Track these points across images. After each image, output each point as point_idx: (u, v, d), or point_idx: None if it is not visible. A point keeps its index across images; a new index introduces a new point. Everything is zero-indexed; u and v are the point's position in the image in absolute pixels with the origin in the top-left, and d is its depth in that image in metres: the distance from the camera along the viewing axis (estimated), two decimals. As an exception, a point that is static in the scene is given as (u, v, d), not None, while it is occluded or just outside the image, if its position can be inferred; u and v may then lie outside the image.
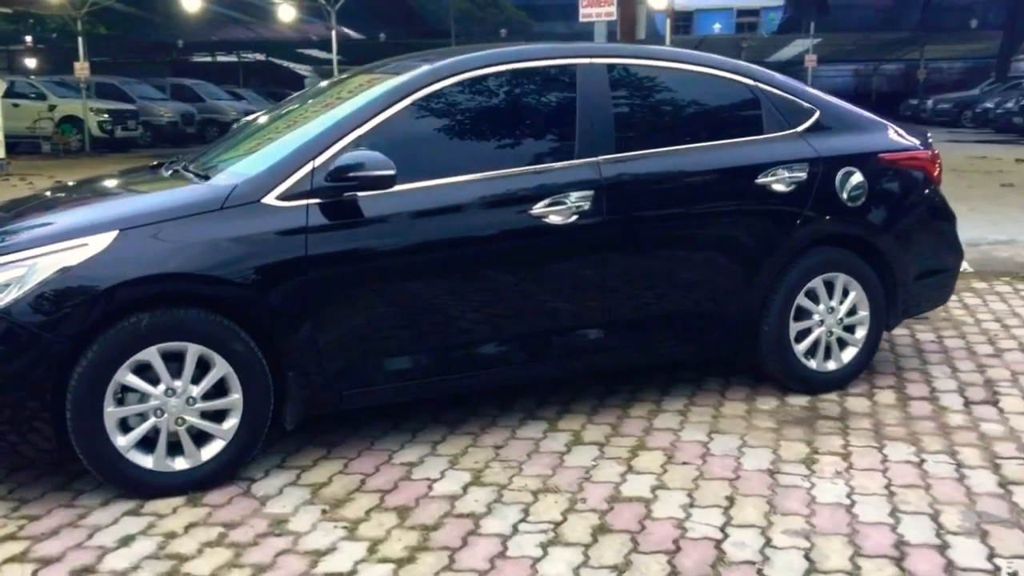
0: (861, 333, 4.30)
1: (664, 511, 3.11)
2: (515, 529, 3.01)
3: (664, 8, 11.41)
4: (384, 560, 2.83)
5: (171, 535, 3.00)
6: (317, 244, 3.34)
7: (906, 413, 4.01)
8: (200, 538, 2.98)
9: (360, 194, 3.40)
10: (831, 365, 4.27)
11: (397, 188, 3.40)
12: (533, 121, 3.91)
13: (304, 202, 3.36)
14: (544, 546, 2.90)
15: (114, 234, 3.15)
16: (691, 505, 3.16)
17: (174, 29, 35.71)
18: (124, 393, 3.17)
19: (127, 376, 3.15)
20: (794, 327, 4.16)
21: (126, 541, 2.97)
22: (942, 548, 2.84)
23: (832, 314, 4.22)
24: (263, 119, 4.44)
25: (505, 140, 3.83)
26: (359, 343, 3.45)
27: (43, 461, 3.29)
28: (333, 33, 21.33)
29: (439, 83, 3.66)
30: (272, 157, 3.49)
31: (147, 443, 3.24)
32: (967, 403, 4.12)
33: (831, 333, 4.24)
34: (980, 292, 6.25)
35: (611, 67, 3.95)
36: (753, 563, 2.77)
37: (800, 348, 4.19)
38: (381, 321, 3.48)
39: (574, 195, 3.67)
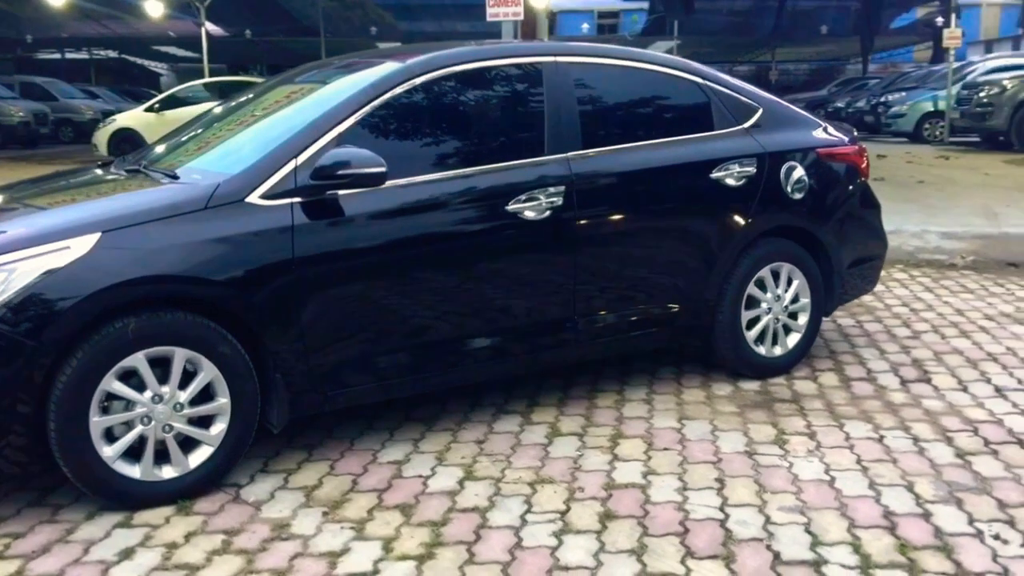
0: (803, 319, 4.52)
1: (662, 496, 3.21)
2: (523, 520, 3.05)
3: (543, 9, 11.57)
4: (403, 557, 2.83)
5: (172, 545, 2.92)
6: (303, 243, 3.29)
7: (851, 393, 4.24)
8: (204, 547, 2.91)
9: (341, 192, 3.37)
10: (778, 351, 4.47)
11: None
12: (505, 118, 3.96)
13: (288, 201, 3.31)
14: (557, 535, 2.95)
15: (97, 236, 3.03)
16: (685, 489, 3.26)
17: (19, 24, 33.93)
18: (109, 401, 3.06)
19: (113, 383, 3.04)
20: (745, 315, 4.34)
21: (127, 554, 2.87)
22: (926, 516, 3.04)
23: (778, 302, 4.43)
24: (214, 117, 4.32)
25: (479, 137, 3.86)
26: (343, 342, 3.42)
27: (14, 475, 3.13)
28: (203, 30, 20.68)
29: (413, 80, 3.66)
30: (250, 155, 3.42)
31: (132, 452, 3.13)
32: (903, 382, 4.38)
33: (778, 320, 4.44)
34: (881, 279, 6.61)
35: (575, 65, 4.02)
36: (760, 539, 2.90)
37: (751, 335, 4.37)
38: (364, 319, 3.46)
39: (547, 190, 3.73)
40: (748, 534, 2.93)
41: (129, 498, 3.13)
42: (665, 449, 3.61)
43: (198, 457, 3.22)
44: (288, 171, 3.33)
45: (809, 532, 2.94)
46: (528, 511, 3.11)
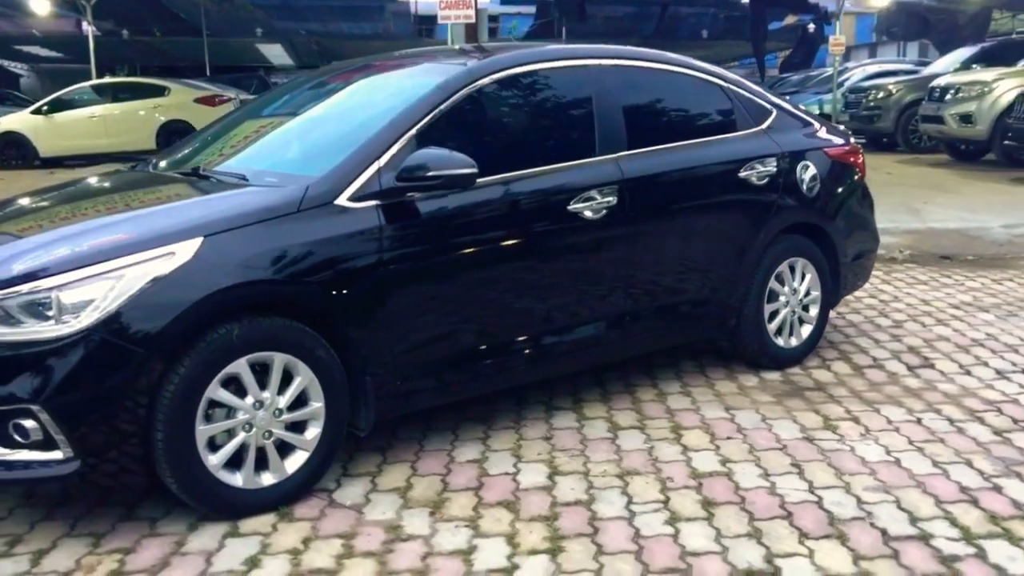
0: (814, 312, 4.75)
1: (749, 482, 3.34)
2: (631, 511, 3.13)
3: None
4: (533, 552, 2.87)
5: (295, 552, 2.89)
6: (389, 245, 3.30)
7: (868, 380, 4.47)
8: (328, 552, 2.89)
9: (418, 194, 3.38)
10: (794, 342, 4.68)
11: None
12: (561, 119, 4.04)
13: (375, 202, 3.30)
14: (670, 523, 3.05)
15: (199, 241, 2.97)
16: (767, 475, 3.41)
17: None
18: (211, 409, 3.00)
19: (218, 391, 2.99)
20: (767, 308, 4.53)
21: (254, 563, 2.82)
22: (997, 489, 3.26)
23: (794, 295, 4.63)
24: (247, 115, 4.25)
25: (538, 138, 3.93)
26: (425, 343, 3.44)
27: (127, 490, 3.04)
28: (91, 30, 19.86)
29: (478, 82, 3.69)
30: (329, 156, 3.39)
31: (231, 460, 3.07)
32: (910, 368, 4.65)
33: (794, 312, 4.65)
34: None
35: (617, 68, 4.13)
36: (862, 519, 3.06)
37: (772, 328, 4.56)
38: (443, 319, 3.48)
39: (603, 190, 3.82)
40: (848, 514, 3.09)
41: (232, 507, 3.07)
42: (728, 438, 3.75)
43: (294, 463, 3.19)
44: (372, 173, 3.32)
45: (902, 509, 3.12)
46: (630, 502, 3.20)
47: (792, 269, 4.62)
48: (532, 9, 41.89)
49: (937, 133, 14.44)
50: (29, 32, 35.71)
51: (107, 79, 20.50)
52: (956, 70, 16.17)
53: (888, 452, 3.59)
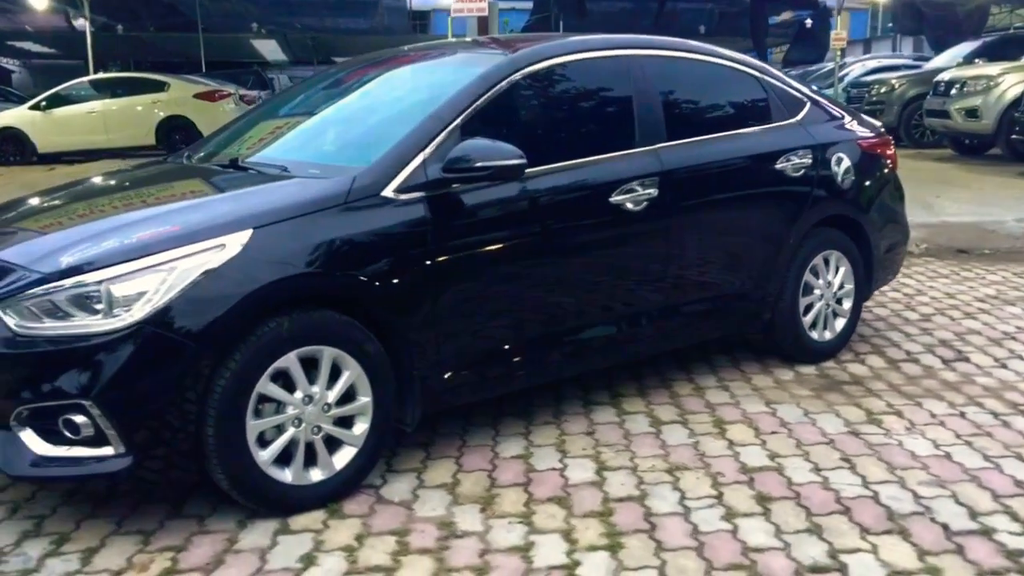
0: (848, 305, 4.70)
1: (801, 477, 3.30)
2: (685, 507, 3.09)
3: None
4: (592, 548, 2.83)
5: (350, 549, 2.84)
6: (436, 237, 3.24)
7: (904, 374, 4.43)
8: (383, 549, 2.84)
9: (460, 185, 3.33)
10: (828, 335, 4.64)
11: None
12: (601, 110, 3.98)
13: (420, 194, 3.24)
14: (727, 519, 3.00)
15: (249, 233, 2.91)
16: (818, 469, 3.36)
17: None
18: (261, 404, 2.94)
19: (268, 386, 2.93)
20: (802, 302, 4.48)
21: (310, 560, 2.77)
22: (1053, 483, 3.23)
23: (829, 289, 4.59)
24: (279, 107, 4.19)
25: (579, 129, 3.88)
26: (470, 336, 3.39)
27: (176, 486, 2.98)
28: (88, 24, 19.74)
29: (521, 71, 3.63)
30: (373, 147, 3.33)
31: (279, 456, 3.02)
32: (944, 361, 4.61)
33: (828, 306, 4.61)
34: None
35: (654, 58, 4.08)
36: (921, 513, 3.02)
37: (807, 321, 4.52)
38: (489, 312, 3.43)
39: (644, 182, 3.77)
40: (907, 509, 3.05)
41: (282, 503, 3.02)
42: (773, 432, 3.71)
43: (342, 459, 3.13)
44: (418, 164, 3.26)
45: (961, 504, 3.08)
46: (683, 498, 3.15)
47: (826, 262, 4.57)
48: (528, 4, 41.86)
49: (942, 127, 14.42)
50: (21, 27, 35.49)
51: (106, 75, 20.31)
52: (959, 65, 16.14)
53: (937, 446, 3.55)
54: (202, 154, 4.03)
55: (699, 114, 4.26)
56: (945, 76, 14.29)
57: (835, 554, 2.78)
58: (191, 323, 2.77)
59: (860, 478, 3.28)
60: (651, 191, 3.79)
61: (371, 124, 3.69)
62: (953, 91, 13.68)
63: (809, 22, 30.33)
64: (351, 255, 3.08)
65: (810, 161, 4.41)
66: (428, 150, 3.29)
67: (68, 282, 2.75)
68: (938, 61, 18.51)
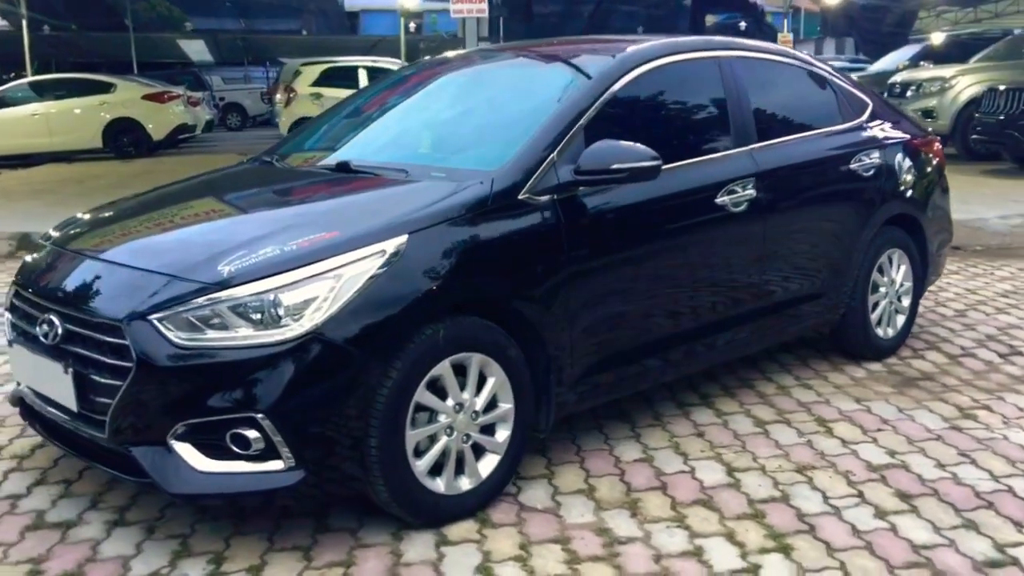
0: (907, 302, 4.79)
1: (929, 473, 3.34)
2: (832, 507, 3.10)
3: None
4: (764, 551, 2.82)
5: (521, 559, 2.78)
6: (571, 240, 3.20)
7: (969, 369, 4.52)
8: (554, 558, 2.79)
9: (585, 188, 3.29)
10: (890, 332, 4.71)
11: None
12: (700, 112, 3.97)
13: (553, 196, 3.19)
14: (879, 516, 3.02)
15: (405, 238, 2.83)
16: (942, 465, 3.41)
17: None
18: (416, 413, 2.86)
19: (425, 394, 2.86)
20: (870, 299, 4.55)
21: (487, 572, 2.72)
22: None
23: (892, 286, 4.66)
24: (369, 107, 4.08)
25: (683, 130, 3.87)
26: (601, 338, 3.35)
27: (347, 500, 2.89)
28: (24, 23, 19.03)
29: (631, 72, 3.61)
30: (501, 150, 3.26)
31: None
32: (1002, 356, 4.72)
33: (891, 303, 4.68)
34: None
35: (742, 60, 4.09)
36: (1062, 505, 3.08)
37: (873, 318, 4.58)
38: (616, 313, 3.39)
39: (743, 183, 3.78)
40: (1048, 502, 3.10)
41: (435, 514, 2.94)
42: (879, 430, 3.74)
43: (486, 467, 3.07)
44: (548, 166, 3.21)
45: (1094, 493, 3.15)
46: (827, 498, 3.16)
47: (890, 260, 4.64)
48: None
49: (898, 128, 14.80)
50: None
51: (47, 76, 19.57)
52: (906, 67, 16.61)
53: (1044, 438, 3.63)
54: (289, 156, 3.91)
55: (782, 115, 4.28)
56: (899, 78, 14.69)
57: (1002, 548, 2.81)
58: (359, 331, 2.68)
59: (986, 472, 3.34)
60: (750, 192, 3.80)
61: (483, 125, 3.62)
62: (909, 92, 14.06)
63: (743, 24, 30.90)
64: (497, 260, 3.03)
65: (879, 161, 4.47)
66: (556, 152, 3.24)
67: (236, 292, 2.64)
68: (881, 64, 19.03)
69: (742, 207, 3.78)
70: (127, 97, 17.15)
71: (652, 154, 3.21)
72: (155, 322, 2.64)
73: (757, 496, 3.17)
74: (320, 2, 42.74)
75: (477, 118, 3.73)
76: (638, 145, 3.21)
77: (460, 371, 2.96)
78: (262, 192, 3.61)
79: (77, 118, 16.87)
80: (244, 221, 3.20)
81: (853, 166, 4.35)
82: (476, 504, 3.03)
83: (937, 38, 21.21)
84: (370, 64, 17.65)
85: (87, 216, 3.58)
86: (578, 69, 3.61)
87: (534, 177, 3.17)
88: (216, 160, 16.20)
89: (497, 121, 3.60)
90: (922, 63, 16.85)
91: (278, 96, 20.00)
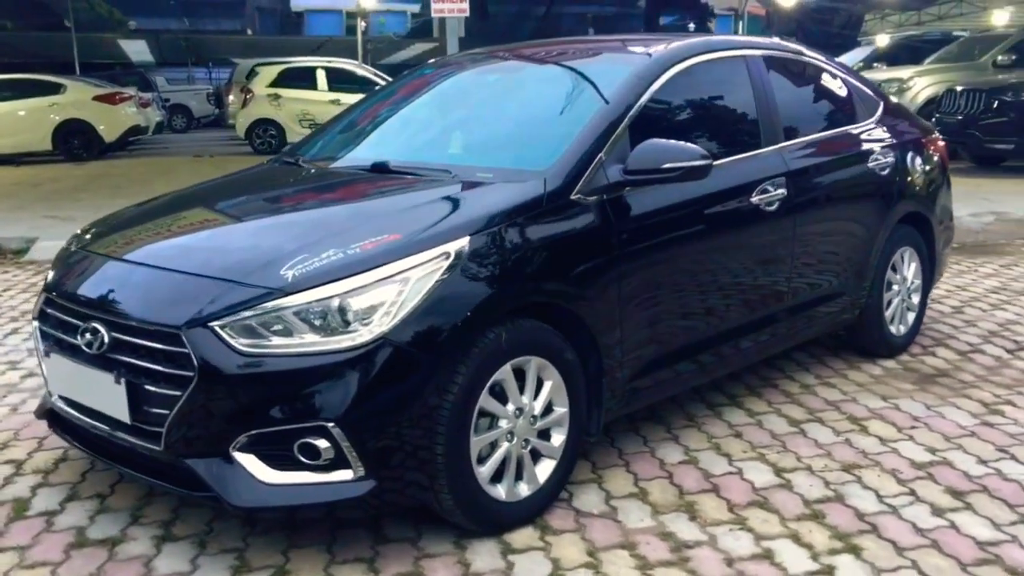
0: (916, 299, 4.83)
1: (975, 470, 3.35)
2: (888, 505, 3.09)
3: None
4: (833, 552, 2.80)
5: (592, 566, 2.73)
6: (621, 241, 3.15)
7: (982, 365, 4.57)
8: (625, 564, 2.74)
9: (631, 188, 3.25)
10: (903, 329, 4.75)
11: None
12: (731, 111, 3.94)
13: (602, 196, 3.15)
14: (937, 514, 3.02)
15: (466, 240, 2.76)
16: (983, 461, 3.42)
17: None
18: (478, 419, 2.80)
19: (488, 400, 2.79)
20: (885, 297, 4.57)
21: (561, 580, 2.64)
22: None
23: (904, 283, 4.70)
24: (397, 105, 4.00)
25: (717, 129, 3.84)
26: (648, 340, 3.31)
27: (419, 507, 2.80)
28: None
29: (667, 72, 3.57)
30: (548, 150, 3.20)
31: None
32: (1009, 351, 4.78)
33: (904, 301, 4.72)
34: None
35: (768, 59, 4.08)
36: (1111, 498, 3.11)
37: (888, 316, 4.61)
38: (661, 314, 3.35)
39: (775, 182, 3.78)
40: (1095, 494, 3.14)
41: (497, 521, 2.88)
42: (912, 427, 3.76)
43: (543, 472, 3.01)
44: (597, 165, 3.16)
45: None
46: (880, 497, 3.15)
47: (902, 258, 4.68)
48: (406, 7, 41.56)
49: (856, 128, 15.03)
50: None
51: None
52: (860, 68, 16.86)
53: (1077, 432, 3.67)
54: (316, 156, 3.81)
55: (805, 113, 4.29)
56: (857, 79, 14.90)
57: (1065, 543, 2.83)
58: (428, 336, 2.61)
59: (1025, 467, 3.36)
60: (781, 191, 3.79)
61: (524, 125, 3.55)
62: (867, 93, 14.26)
63: (692, 26, 31.18)
64: (553, 260, 2.96)
65: (893, 160, 4.50)
66: (603, 151, 3.19)
67: (302, 297, 2.54)
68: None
69: (774, 206, 3.76)
70: (77, 98, 16.71)
71: (702, 152, 3.17)
72: (217, 329, 2.54)
73: (811, 496, 3.16)
74: (261, 2, 42.31)
75: (515, 118, 3.67)
76: (688, 144, 3.18)
77: (518, 376, 2.89)
78: (302, 193, 3.50)
79: (25, 120, 16.37)
80: (293, 223, 3.10)
81: (871, 165, 4.37)
82: (535, 510, 2.97)
83: (882, 40, 21.67)
84: (328, 65, 17.43)
85: (114, 220, 3.44)
86: (616, 68, 3.56)
87: (584, 177, 3.12)
88: (172, 162, 15.92)
89: (538, 121, 3.54)
90: (875, 64, 17.15)
91: (231, 97, 19.71)
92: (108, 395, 2.71)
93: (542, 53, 4.04)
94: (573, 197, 3.07)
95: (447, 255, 2.69)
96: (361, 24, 27.62)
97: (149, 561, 2.75)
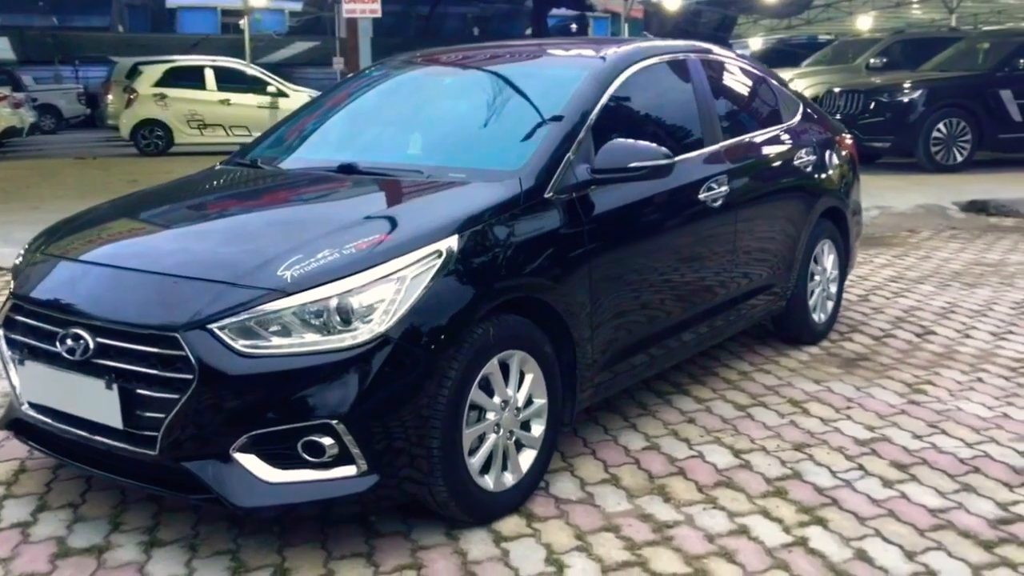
0: (834, 288, 5.13)
1: (912, 444, 3.60)
2: (842, 479, 3.30)
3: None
4: (803, 524, 2.98)
5: (584, 549, 2.84)
6: (590, 237, 3.28)
7: (896, 349, 4.89)
8: (615, 546, 2.86)
9: (596, 186, 3.38)
10: (823, 317, 5.04)
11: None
12: (678, 111, 4.10)
13: (572, 194, 3.27)
14: (887, 486, 3.25)
15: (455, 239, 2.83)
16: (918, 436, 3.68)
17: None
18: (468, 412, 2.88)
19: (478, 393, 2.88)
20: (808, 287, 4.84)
21: (559, 564, 2.75)
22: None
23: (824, 274, 4.99)
24: (353, 107, 4.03)
25: (669, 128, 4.00)
26: (615, 331, 3.44)
27: (422, 500, 2.85)
28: None
29: (622, 75, 3.72)
30: (520, 150, 3.31)
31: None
32: (918, 335, 5.12)
33: (824, 290, 5.00)
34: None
35: (707, 62, 4.28)
36: (1041, 464, 3.40)
37: (811, 304, 4.89)
38: (624, 307, 3.49)
39: (718, 179, 3.97)
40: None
41: (485, 511, 2.96)
42: (848, 407, 4.01)
43: (525, 462, 3.11)
44: (566, 165, 3.28)
45: (1062, 454, 3.49)
46: (833, 472, 3.37)
47: (823, 250, 4.95)
48: (283, 5, 40.82)
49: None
50: None
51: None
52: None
53: (989, 408, 3.97)
54: (274, 158, 3.81)
55: (739, 114, 4.50)
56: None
57: (1004, 507, 3.08)
58: (425, 333, 2.68)
59: (959, 441, 3.64)
60: (724, 188, 3.98)
61: (490, 125, 3.64)
62: (751, 93, 14.84)
63: (574, 27, 31.69)
64: (533, 257, 3.06)
65: (815, 158, 4.77)
66: (572, 150, 3.31)
67: (301, 297, 2.57)
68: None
69: (719, 203, 3.95)
70: (-53, 99, 15.92)
71: (666, 152, 3.33)
72: (216, 331, 2.55)
73: (771, 475, 3.35)
74: (131, -1, 40.96)
75: (479, 119, 3.74)
76: (651, 144, 3.33)
77: (502, 370, 2.98)
78: (275, 195, 3.49)
79: None
80: (276, 224, 3.10)
81: (797, 163, 4.63)
82: (519, 499, 3.06)
83: (755, 43, 22.51)
84: (216, 64, 17.05)
85: (76, 223, 3.37)
86: (571, 71, 3.69)
87: (556, 175, 3.23)
88: (54, 165, 15.33)
89: (504, 122, 3.63)
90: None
91: (111, 97, 19.08)
92: (97, 401, 2.68)
93: (492, 55, 4.13)
94: (547, 196, 3.18)
95: (439, 253, 2.76)
96: (243, 22, 27.04)
97: (142, 567, 2.73)
